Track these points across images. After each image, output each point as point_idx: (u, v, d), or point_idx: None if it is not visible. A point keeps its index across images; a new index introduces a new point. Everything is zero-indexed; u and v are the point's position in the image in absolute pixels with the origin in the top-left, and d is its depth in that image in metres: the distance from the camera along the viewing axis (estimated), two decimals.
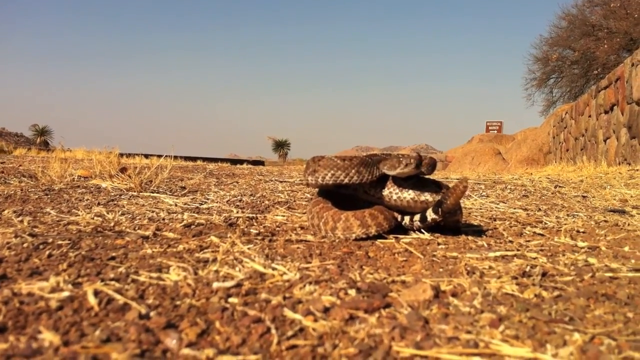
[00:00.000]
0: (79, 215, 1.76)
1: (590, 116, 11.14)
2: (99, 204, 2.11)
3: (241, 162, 10.58)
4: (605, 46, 20.05)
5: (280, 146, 48.20)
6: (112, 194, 2.45)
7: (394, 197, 1.58)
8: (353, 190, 1.63)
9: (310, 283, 1.03)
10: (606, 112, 9.73)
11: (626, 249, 1.53)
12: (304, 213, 2.02)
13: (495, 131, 27.16)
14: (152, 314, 0.85)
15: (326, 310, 0.89)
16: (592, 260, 1.34)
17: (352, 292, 0.99)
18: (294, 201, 2.43)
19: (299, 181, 3.59)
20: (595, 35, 20.90)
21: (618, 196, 3.24)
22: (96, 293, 0.92)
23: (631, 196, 3.22)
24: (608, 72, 11.47)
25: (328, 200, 1.64)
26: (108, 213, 1.82)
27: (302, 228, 1.70)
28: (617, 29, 19.89)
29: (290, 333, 0.80)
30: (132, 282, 1.01)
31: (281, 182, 3.52)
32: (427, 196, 1.55)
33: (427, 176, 1.64)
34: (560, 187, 3.86)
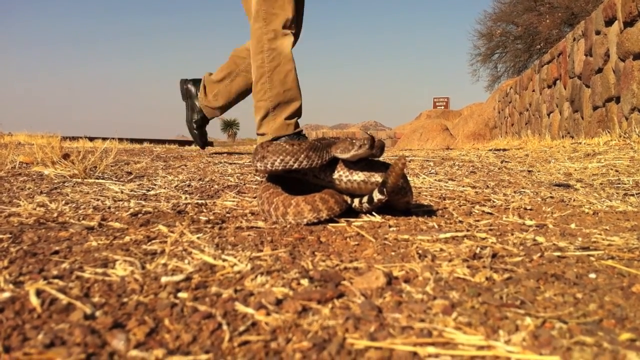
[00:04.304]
0: (20, 205, 1.70)
1: (534, 91, 11.38)
2: (41, 192, 2.04)
3: (189, 143, 10.44)
4: (548, 21, 20.46)
5: (229, 126, 47.76)
6: (55, 181, 2.37)
7: (345, 180, 1.57)
8: (303, 174, 1.61)
9: (261, 274, 1.01)
10: (549, 87, 9.95)
11: (572, 226, 1.57)
12: (254, 197, 1.99)
13: (443, 107, 27.54)
14: (97, 313, 0.82)
15: (278, 302, 0.88)
16: (540, 239, 1.36)
17: (305, 282, 0.98)
18: (244, 184, 2.40)
19: (248, 163, 3.56)
20: (538, 10, 21.30)
21: (562, 170, 3.32)
22: (39, 293, 0.88)
23: (575, 169, 3.30)
24: (550, 47, 11.71)
25: (278, 185, 1.62)
26: (51, 202, 1.75)
27: (252, 214, 1.68)
28: (559, 3, 20.30)
29: (242, 328, 0.78)
30: (76, 279, 0.97)
31: (230, 164, 3.47)
32: (377, 177, 1.54)
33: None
34: (506, 162, 3.92)
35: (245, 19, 4.21)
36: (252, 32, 4.03)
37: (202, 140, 4.83)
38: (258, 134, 4.22)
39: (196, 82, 4.68)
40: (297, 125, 4.12)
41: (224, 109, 4.59)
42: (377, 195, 1.52)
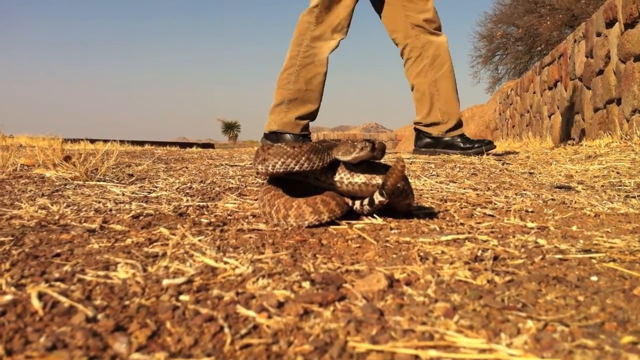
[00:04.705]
0: (22, 208, 1.70)
1: (534, 92, 11.38)
2: (43, 195, 2.04)
3: (191, 145, 10.43)
4: (548, 23, 20.44)
5: (230, 128, 47.75)
6: (57, 183, 2.38)
7: (346, 182, 1.57)
8: (304, 177, 1.62)
9: (263, 276, 1.01)
10: (550, 89, 9.95)
11: (574, 228, 1.56)
12: (256, 200, 1.99)
13: None
14: (99, 316, 0.82)
15: (280, 305, 0.88)
16: (541, 241, 1.36)
17: (306, 284, 0.98)
18: (245, 187, 2.40)
19: (249, 165, 3.56)
20: (538, 12, 21.29)
21: (564, 172, 3.32)
22: (40, 296, 0.89)
23: (576, 171, 3.30)
24: (551, 49, 11.71)
25: (279, 187, 1.62)
26: (52, 205, 1.76)
27: (254, 216, 1.68)
28: (560, 5, 20.29)
29: (243, 331, 0.78)
30: (78, 282, 0.97)
31: (232, 166, 3.48)
32: (378, 180, 1.54)
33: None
34: (507, 164, 3.92)
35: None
36: (300, 22, 4.02)
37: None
38: (268, 133, 4.27)
39: None
40: (306, 127, 4.11)
41: None
42: (377, 198, 1.52)
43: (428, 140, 4.63)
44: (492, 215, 1.76)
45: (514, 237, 1.42)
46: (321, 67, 4.03)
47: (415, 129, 4.76)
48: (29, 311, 0.83)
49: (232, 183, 2.52)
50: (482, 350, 0.73)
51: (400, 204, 1.63)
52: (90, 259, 1.12)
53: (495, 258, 1.19)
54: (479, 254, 1.21)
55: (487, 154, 4.53)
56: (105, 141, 6.71)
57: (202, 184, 2.46)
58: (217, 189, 2.32)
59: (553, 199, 2.15)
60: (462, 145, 4.57)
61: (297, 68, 4.03)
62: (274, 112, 4.15)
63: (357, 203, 1.60)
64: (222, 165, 3.56)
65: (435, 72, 4.36)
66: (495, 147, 4.70)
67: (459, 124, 4.61)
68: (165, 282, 0.97)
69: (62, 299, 0.88)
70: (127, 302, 0.88)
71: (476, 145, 4.56)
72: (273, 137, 4.39)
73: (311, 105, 4.07)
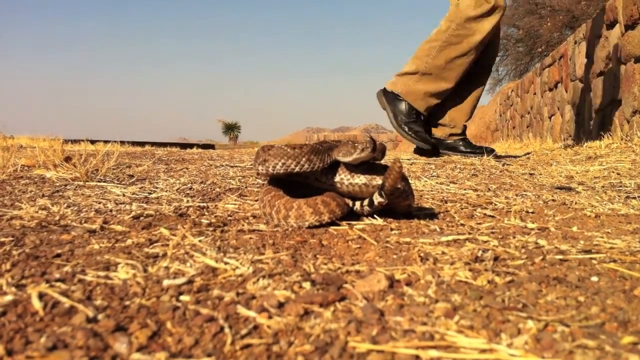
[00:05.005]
0: (22, 208, 1.70)
1: (535, 94, 11.37)
2: (43, 195, 2.04)
3: (191, 146, 10.42)
4: (549, 24, 20.45)
5: (231, 129, 47.78)
6: (57, 184, 2.38)
7: (346, 183, 1.57)
8: (304, 178, 1.62)
9: (263, 277, 1.01)
10: (550, 90, 9.95)
11: (574, 229, 1.56)
12: (256, 200, 1.99)
13: None
14: (100, 316, 0.82)
15: (280, 305, 0.88)
16: (542, 242, 1.36)
17: (307, 285, 0.98)
18: (246, 187, 2.40)
19: (250, 165, 3.56)
20: (539, 13, 21.29)
21: (564, 173, 3.32)
22: (41, 296, 0.89)
23: (577, 172, 3.30)
24: (552, 50, 11.71)
25: (279, 187, 1.62)
26: (53, 205, 1.75)
27: (254, 217, 1.68)
28: (560, 6, 20.29)
29: (244, 331, 0.78)
30: (78, 282, 0.97)
31: (232, 167, 3.48)
32: (378, 180, 1.54)
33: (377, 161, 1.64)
34: (507, 165, 3.92)
35: None
36: (455, 3, 3.78)
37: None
38: (398, 75, 4.01)
39: None
40: (429, 109, 3.89)
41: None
42: (377, 198, 1.52)
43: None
44: (492, 216, 1.76)
45: (514, 237, 1.42)
46: (469, 51, 3.78)
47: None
48: (29, 311, 0.83)
49: (232, 184, 2.52)
50: (483, 351, 0.73)
51: (400, 205, 1.63)
52: (91, 260, 1.12)
53: (496, 259, 1.19)
54: (479, 254, 1.21)
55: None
56: (106, 142, 6.71)
57: (202, 185, 2.46)
58: (218, 189, 2.32)
59: (553, 200, 2.15)
60: (463, 149, 4.53)
61: (441, 44, 3.79)
62: (403, 76, 3.94)
63: (357, 204, 1.60)
64: (222, 166, 3.56)
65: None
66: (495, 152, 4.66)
67: (464, 131, 4.57)
68: (165, 282, 0.97)
69: (63, 299, 0.88)
70: (127, 303, 0.88)
71: (477, 151, 4.53)
72: (390, 96, 4.14)
73: (445, 84, 3.86)
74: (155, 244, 1.27)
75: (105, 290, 0.94)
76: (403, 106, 4.03)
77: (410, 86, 3.87)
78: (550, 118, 9.89)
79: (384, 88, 4.30)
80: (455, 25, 3.79)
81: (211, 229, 1.48)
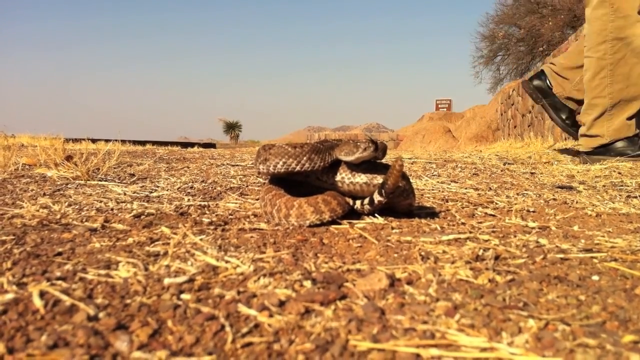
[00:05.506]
0: (23, 207, 1.70)
1: None
2: (44, 194, 2.04)
3: (192, 145, 10.43)
4: (550, 23, 20.44)
5: (232, 128, 47.81)
6: (58, 183, 2.38)
7: (347, 182, 1.57)
8: (305, 177, 1.61)
9: (264, 275, 1.01)
10: None
11: (575, 228, 1.56)
12: (257, 199, 1.99)
13: (445, 109, 27.48)
14: (101, 315, 0.82)
15: (281, 304, 0.88)
16: (543, 241, 1.36)
17: (308, 283, 0.98)
18: (247, 186, 2.40)
19: (250, 164, 3.56)
20: (540, 12, 21.28)
21: (565, 172, 3.31)
22: (42, 294, 0.89)
23: (578, 171, 3.30)
24: (553, 49, 11.70)
25: (280, 186, 1.62)
26: (54, 204, 1.76)
27: (255, 215, 1.68)
28: (561, 5, 20.28)
29: (245, 330, 0.78)
30: (79, 281, 0.97)
31: (233, 166, 3.48)
32: (379, 179, 1.54)
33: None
34: (509, 164, 3.92)
35: None
36: (593, 18, 3.57)
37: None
38: (586, 136, 3.76)
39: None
40: (635, 123, 3.62)
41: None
42: (377, 197, 1.52)
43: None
44: (493, 215, 1.76)
45: (515, 236, 1.42)
46: (637, 56, 3.49)
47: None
48: (30, 310, 0.83)
49: (233, 183, 2.53)
50: (484, 349, 0.73)
51: (401, 204, 1.63)
52: (92, 258, 1.12)
53: (497, 257, 1.19)
54: (480, 253, 1.21)
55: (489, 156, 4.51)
56: (107, 141, 6.71)
57: (203, 184, 2.46)
58: (219, 188, 2.32)
59: (554, 199, 2.14)
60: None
61: (610, 68, 3.53)
62: (594, 125, 3.64)
63: (358, 203, 1.60)
64: (223, 165, 3.57)
65: None
66: None
67: None
68: (166, 281, 0.97)
69: (64, 297, 0.88)
70: (128, 301, 0.88)
71: None
72: (602, 150, 3.76)
73: (638, 102, 3.58)
74: (156, 243, 1.27)
75: (106, 288, 0.94)
76: (619, 145, 3.72)
77: (610, 125, 3.63)
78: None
79: (584, 152, 3.93)
80: (611, 44, 3.56)
81: (212, 227, 1.48)
